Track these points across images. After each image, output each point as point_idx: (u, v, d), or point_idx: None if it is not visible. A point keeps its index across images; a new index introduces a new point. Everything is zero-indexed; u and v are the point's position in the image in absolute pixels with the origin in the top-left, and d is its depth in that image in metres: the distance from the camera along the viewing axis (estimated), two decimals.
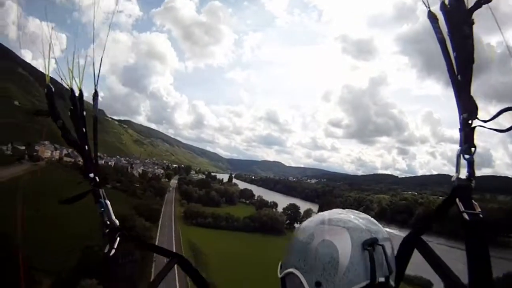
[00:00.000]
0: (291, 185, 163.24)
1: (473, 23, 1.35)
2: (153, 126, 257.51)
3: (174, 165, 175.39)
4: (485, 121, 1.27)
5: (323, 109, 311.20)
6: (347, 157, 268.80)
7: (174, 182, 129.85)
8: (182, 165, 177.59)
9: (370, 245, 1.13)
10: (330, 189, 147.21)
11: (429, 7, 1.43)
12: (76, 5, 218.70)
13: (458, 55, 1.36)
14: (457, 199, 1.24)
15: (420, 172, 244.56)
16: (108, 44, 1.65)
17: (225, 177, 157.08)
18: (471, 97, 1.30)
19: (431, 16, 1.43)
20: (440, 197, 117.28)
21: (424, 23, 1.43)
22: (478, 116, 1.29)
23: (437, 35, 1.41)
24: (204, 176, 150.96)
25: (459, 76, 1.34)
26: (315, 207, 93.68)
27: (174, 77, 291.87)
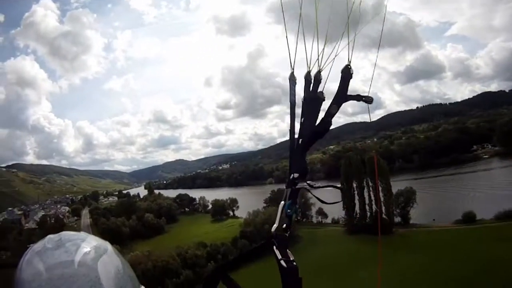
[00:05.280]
0: (210, 176, 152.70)
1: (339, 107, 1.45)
2: (44, 162, 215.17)
3: (79, 196, 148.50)
4: (311, 187, 1.36)
5: (208, 96, 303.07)
6: (244, 135, 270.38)
7: (86, 214, 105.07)
8: (87, 193, 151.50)
9: None
10: (258, 167, 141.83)
11: (293, 69, 1.47)
12: None
13: (306, 122, 1.44)
14: (274, 247, 1.31)
15: None
16: None
17: (137, 191, 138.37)
18: (305, 162, 1.40)
19: (292, 78, 1.49)
20: (358, 143, 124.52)
21: None
22: (306, 181, 1.37)
23: (291, 97, 1.49)
24: (116, 198, 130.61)
25: (300, 140, 1.42)
26: (249, 191, 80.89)
27: (51, 103, 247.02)
